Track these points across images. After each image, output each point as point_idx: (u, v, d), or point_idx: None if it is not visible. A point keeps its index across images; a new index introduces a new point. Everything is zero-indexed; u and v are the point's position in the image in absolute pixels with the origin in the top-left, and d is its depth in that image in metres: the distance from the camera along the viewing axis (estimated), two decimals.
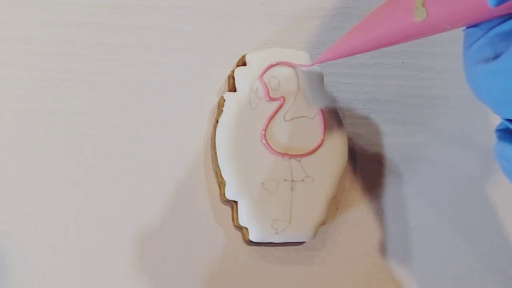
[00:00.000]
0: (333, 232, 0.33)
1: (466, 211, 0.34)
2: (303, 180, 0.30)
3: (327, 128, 0.31)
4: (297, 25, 0.33)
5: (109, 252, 0.30)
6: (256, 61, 0.31)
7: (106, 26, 0.31)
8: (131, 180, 0.31)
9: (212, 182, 0.32)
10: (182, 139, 0.32)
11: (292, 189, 0.30)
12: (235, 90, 0.31)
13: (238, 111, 0.30)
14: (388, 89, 0.34)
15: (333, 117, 0.31)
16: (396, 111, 0.34)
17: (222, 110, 0.30)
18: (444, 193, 0.34)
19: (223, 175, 0.30)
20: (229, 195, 0.30)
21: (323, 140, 0.30)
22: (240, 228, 0.31)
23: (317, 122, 0.31)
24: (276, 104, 0.30)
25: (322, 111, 0.31)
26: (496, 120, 0.24)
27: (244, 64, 0.31)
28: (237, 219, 0.30)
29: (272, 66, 0.30)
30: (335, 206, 0.33)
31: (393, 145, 0.34)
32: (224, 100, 0.31)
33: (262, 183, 0.30)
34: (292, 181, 0.30)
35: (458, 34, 0.24)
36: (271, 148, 0.30)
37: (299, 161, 0.30)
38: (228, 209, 0.32)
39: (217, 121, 0.31)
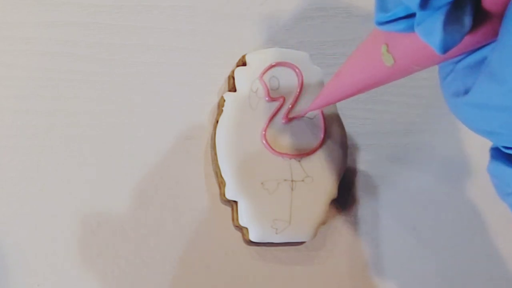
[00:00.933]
0: (333, 232, 0.33)
1: (466, 211, 0.34)
2: (303, 180, 0.30)
3: (327, 128, 0.31)
4: (297, 25, 0.33)
5: (109, 252, 0.30)
6: (256, 61, 0.31)
7: (106, 26, 0.31)
8: (131, 180, 0.31)
9: (212, 182, 0.32)
10: (182, 139, 0.32)
11: (292, 189, 0.30)
12: (235, 90, 0.31)
13: (238, 111, 0.30)
14: (388, 90, 0.34)
15: (333, 117, 0.31)
16: (396, 111, 0.34)
17: (222, 110, 0.30)
18: (444, 193, 0.34)
19: (223, 175, 0.30)
20: (229, 195, 0.30)
21: (323, 140, 0.30)
22: (240, 228, 0.31)
23: (317, 122, 0.31)
24: (276, 104, 0.30)
25: (322, 111, 0.31)
26: None
27: (244, 64, 0.31)
28: (237, 219, 0.30)
29: (272, 66, 0.30)
30: (335, 206, 0.33)
31: (393, 145, 0.34)
32: (224, 100, 0.31)
33: (262, 183, 0.30)
34: (292, 181, 0.30)
35: None
36: (271, 148, 0.30)
37: (299, 161, 0.30)
38: (228, 209, 0.32)
39: (217, 121, 0.31)
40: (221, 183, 0.31)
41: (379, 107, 0.34)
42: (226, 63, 0.32)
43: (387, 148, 0.34)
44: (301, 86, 0.31)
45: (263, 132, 0.30)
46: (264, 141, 0.30)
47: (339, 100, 0.28)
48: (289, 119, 0.30)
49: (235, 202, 0.30)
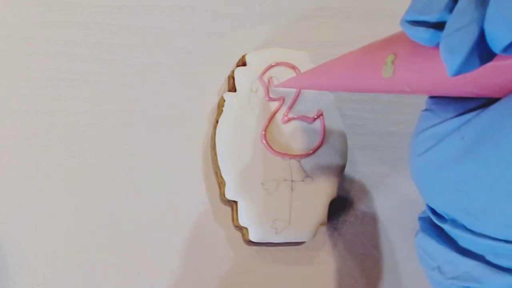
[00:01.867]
0: (333, 232, 0.33)
1: None
2: (303, 180, 0.30)
3: (327, 128, 0.31)
4: (297, 25, 0.33)
5: (109, 252, 0.30)
6: (256, 61, 0.31)
7: (106, 26, 0.31)
8: (131, 180, 0.31)
9: (212, 182, 0.32)
10: (182, 139, 0.32)
11: (292, 189, 0.30)
12: (235, 90, 0.31)
13: (238, 111, 0.30)
14: None
15: (333, 117, 0.31)
16: (396, 111, 0.34)
17: (222, 110, 0.30)
18: None
19: (223, 175, 0.30)
20: (229, 195, 0.30)
21: (323, 140, 0.30)
22: (240, 228, 0.31)
23: (317, 122, 0.31)
24: (276, 104, 0.30)
25: (322, 111, 0.31)
26: None
27: (244, 64, 0.31)
28: (237, 219, 0.30)
29: (272, 66, 0.30)
30: (335, 206, 0.33)
31: (393, 145, 0.34)
32: (224, 100, 0.31)
33: (262, 183, 0.30)
34: (292, 181, 0.30)
35: None
36: (271, 148, 0.30)
37: (299, 161, 0.30)
38: (228, 209, 0.32)
39: (217, 121, 0.31)
40: (221, 183, 0.31)
41: (379, 107, 0.34)
42: (226, 63, 0.32)
43: (387, 148, 0.34)
44: None
45: (263, 132, 0.30)
46: (264, 141, 0.30)
47: (319, 89, 0.28)
48: (289, 119, 0.30)
49: (235, 202, 0.30)
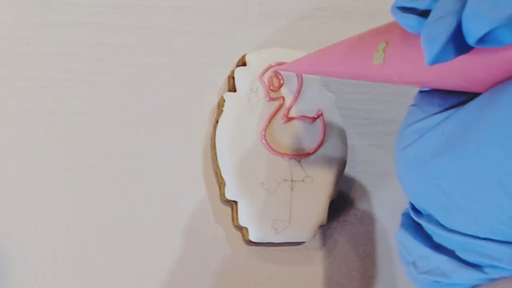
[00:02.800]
0: (333, 232, 0.33)
1: None
2: (303, 180, 0.30)
3: (326, 128, 0.31)
4: (297, 25, 0.33)
5: (109, 252, 0.30)
6: (256, 61, 0.31)
7: (106, 26, 0.31)
8: (131, 180, 0.31)
9: (212, 182, 0.32)
10: (182, 139, 0.32)
11: (292, 189, 0.30)
12: (235, 90, 0.31)
13: (238, 111, 0.30)
14: (388, 89, 0.34)
15: (333, 117, 0.31)
16: (396, 111, 0.34)
17: (222, 110, 0.30)
18: None
19: (223, 175, 0.30)
20: (229, 195, 0.30)
21: (322, 140, 0.30)
22: (240, 228, 0.31)
23: (317, 122, 0.31)
24: (276, 104, 0.30)
25: (322, 111, 0.31)
26: None
27: (244, 64, 0.31)
28: (237, 219, 0.30)
29: (272, 66, 0.30)
30: (335, 206, 0.33)
31: (393, 145, 0.34)
32: (224, 100, 0.31)
33: (262, 183, 0.30)
34: (292, 181, 0.30)
35: None
36: (271, 148, 0.30)
37: (299, 161, 0.30)
38: (228, 209, 0.32)
39: (217, 121, 0.31)
40: (221, 183, 0.31)
41: (379, 107, 0.34)
42: (226, 63, 0.32)
43: (386, 148, 0.34)
44: (301, 86, 0.31)
45: (263, 132, 0.30)
46: (264, 141, 0.30)
47: (317, 74, 0.28)
48: (289, 119, 0.30)
49: (235, 202, 0.30)
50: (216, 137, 0.30)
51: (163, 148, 0.31)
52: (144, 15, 0.32)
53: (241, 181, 0.30)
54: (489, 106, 0.18)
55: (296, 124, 0.30)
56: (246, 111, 0.30)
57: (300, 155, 0.30)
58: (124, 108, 0.31)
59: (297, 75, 0.31)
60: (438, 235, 0.22)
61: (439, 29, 0.17)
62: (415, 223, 0.23)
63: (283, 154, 0.30)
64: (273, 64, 0.30)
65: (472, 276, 0.21)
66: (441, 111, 0.21)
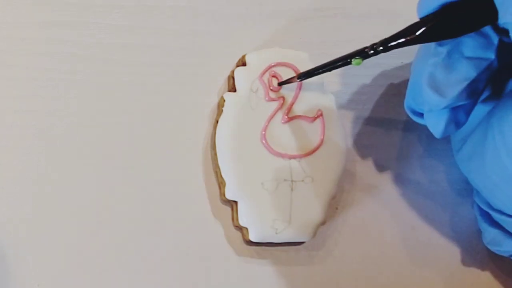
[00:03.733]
0: (333, 232, 0.33)
1: (466, 210, 0.34)
2: (302, 180, 0.30)
3: (326, 128, 0.31)
4: (297, 25, 0.33)
5: (109, 252, 0.30)
6: (256, 61, 0.31)
7: (106, 26, 0.31)
8: (131, 180, 0.31)
9: (212, 182, 0.32)
10: (182, 139, 0.32)
11: (292, 189, 0.30)
12: (235, 90, 0.31)
13: (238, 111, 0.30)
14: (387, 89, 0.34)
15: (333, 117, 0.31)
16: (395, 111, 0.34)
17: (222, 110, 0.30)
18: (443, 193, 0.34)
19: (223, 175, 0.30)
20: (229, 195, 0.30)
21: (322, 140, 0.30)
22: (240, 228, 0.31)
23: (317, 122, 0.31)
24: (275, 104, 0.30)
25: (322, 111, 0.31)
26: None
27: (244, 64, 0.31)
28: (237, 219, 0.30)
29: (272, 66, 0.30)
30: (335, 206, 0.33)
31: (393, 145, 0.34)
32: (224, 100, 0.31)
33: (262, 183, 0.30)
34: (292, 181, 0.30)
35: None
36: (271, 148, 0.30)
37: (299, 161, 0.30)
38: (228, 209, 0.32)
39: (217, 121, 0.31)
40: (221, 183, 0.31)
41: (379, 107, 0.34)
42: (226, 63, 0.32)
43: (386, 148, 0.34)
44: (301, 86, 0.31)
45: (263, 132, 0.30)
46: (263, 141, 0.30)
47: None
48: (289, 119, 0.30)
49: (235, 202, 0.30)
50: (216, 137, 0.30)
51: (163, 148, 0.31)
52: (144, 15, 0.32)
53: (241, 181, 0.30)
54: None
55: (296, 124, 0.30)
56: (246, 111, 0.30)
57: (300, 155, 0.30)
58: (124, 108, 0.31)
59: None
60: (490, 213, 0.28)
61: (436, 117, 0.25)
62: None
63: (283, 154, 0.30)
64: (273, 64, 0.30)
65: None
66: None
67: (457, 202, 0.34)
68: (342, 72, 0.33)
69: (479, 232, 0.32)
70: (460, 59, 0.24)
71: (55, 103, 0.30)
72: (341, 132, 0.31)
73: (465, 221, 0.34)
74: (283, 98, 0.30)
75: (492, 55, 0.25)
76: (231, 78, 0.31)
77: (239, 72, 0.31)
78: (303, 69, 0.30)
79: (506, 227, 0.28)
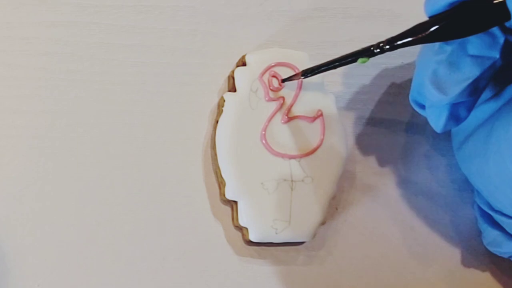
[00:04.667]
0: (333, 232, 0.33)
1: (466, 211, 0.34)
2: (302, 180, 0.30)
3: (326, 128, 0.31)
4: (297, 25, 0.33)
5: (109, 252, 0.30)
6: (256, 61, 0.31)
7: (106, 26, 0.31)
8: (131, 180, 0.31)
9: (212, 182, 0.32)
10: (182, 139, 0.32)
11: (291, 189, 0.30)
12: (235, 90, 0.31)
13: (238, 111, 0.30)
14: (387, 90, 0.34)
15: (333, 117, 0.31)
16: (396, 111, 0.34)
17: (222, 110, 0.30)
18: (443, 193, 0.34)
19: (223, 175, 0.30)
20: (229, 195, 0.30)
21: (322, 140, 0.30)
22: (240, 228, 0.31)
23: (317, 122, 0.31)
24: (275, 104, 0.30)
25: (322, 111, 0.31)
26: None
27: (244, 64, 0.31)
28: (237, 219, 0.30)
29: (272, 66, 0.30)
30: (334, 206, 0.33)
31: (393, 145, 0.34)
32: (224, 100, 0.31)
33: (262, 183, 0.30)
34: (291, 181, 0.30)
35: None
36: (271, 148, 0.30)
37: (299, 161, 0.30)
38: (228, 209, 0.32)
39: (217, 121, 0.31)
40: (221, 183, 0.31)
41: (379, 107, 0.34)
42: (226, 63, 0.32)
43: (386, 149, 0.34)
44: (301, 86, 0.31)
45: (263, 132, 0.30)
46: (263, 141, 0.30)
47: None
48: (289, 119, 0.30)
49: (235, 202, 0.30)
50: (216, 137, 0.30)
51: (163, 148, 0.31)
52: (144, 15, 0.32)
53: (241, 181, 0.30)
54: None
55: (296, 124, 0.30)
56: (246, 111, 0.30)
57: (300, 155, 0.30)
58: (124, 108, 0.31)
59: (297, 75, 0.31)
60: (491, 214, 0.28)
61: (437, 113, 0.26)
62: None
63: (283, 154, 0.30)
64: (273, 64, 0.30)
65: None
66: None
67: (457, 202, 0.34)
68: (343, 72, 0.33)
69: (479, 233, 0.32)
70: (464, 57, 0.24)
71: (55, 103, 0.30)
72: (341, 132, 0.31)
73: (465, 221, 0.34)
74: (283, 98, 0.30)
75: (496, 54, 0.25)
76: (231, 78, 0.31)
77: (239, 72, 0.31)
78: (303, 69, 0.30)
79: (507, 229, 0.28)
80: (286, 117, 0.30)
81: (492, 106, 0.27)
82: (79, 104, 0.31)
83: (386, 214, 0.33)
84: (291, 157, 0.30)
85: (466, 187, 0.34)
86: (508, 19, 0.23)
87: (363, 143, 0.33)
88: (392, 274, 0.33)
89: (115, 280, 0.30)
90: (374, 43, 0.26)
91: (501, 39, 0.25)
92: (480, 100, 0.27)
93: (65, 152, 0.30)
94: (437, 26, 0.24)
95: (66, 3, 0.31)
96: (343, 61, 0.27)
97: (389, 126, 0.34)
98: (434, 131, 0.27)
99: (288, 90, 0.30)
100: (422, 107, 0.27)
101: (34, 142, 0.30)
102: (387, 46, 0.25)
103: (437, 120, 0.26)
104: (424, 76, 0.25)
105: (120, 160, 0.31)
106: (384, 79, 0.34)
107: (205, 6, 0.32)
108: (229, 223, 0.31)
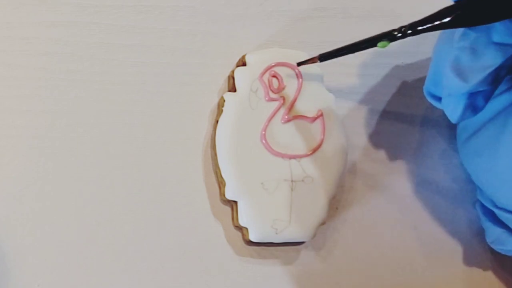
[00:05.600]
0: (333, 232, 0.33)
1: (468, 210, 0.34)
2: (302, 180, 0.30)
3: (326, 128, 0.31)
4: (297, 25, 0.33)
5: (109, 252, 0.30)
6: (256, 61, 0.31)
7: (106, 26, 0.31)
8: (131, 180, 0.31)
9: (212, 182, 0.32)
10: (182, 139, 0.32)
11: (292, 189, 0.30)
12: (235, 90, 0.31)
13: (238, 111, 0.30)
14: (388, 89, 0.34)
15: (333, 117, 0.31)
16: (396, 111, 0.34)
17: (222, 110, 0.30)
18: (445, 192, 0.34)
19: (223, 175, 0.30)
20: (229, 195, 0.30)
21: (322, 140, 0.30)
22: (240, 228, 0.31)
23: (317, 122, 0.31)
24: (275, 104, 0.30)
25: (322, 111, 0.31)
26: None
27: (244, 64, 0.31)
28: (237, 219, 0.30)
29: (272, 66, 0.30)
30: (335, 206, 0.33)
31: (393, 145, 0.34)
32: (224, 100, 0.31)
33: (262, 183, 0.30)
34: (291, 181, 0.30)
35: None
36: (271, 148, 0.30)
37: (299, 161, 0.30)
38: (228, 209, 0.32)
39: (217, 121, 0.31)
40: (221, 183, 0.31)
41: (379, 108, 0.34)
42: (226, 63, 0.32)
43: (387, 148, 0.34)
44: (301, 86, 0.31)
45: (263, 132, 0.30)
46: (263, 141, 0.30)
47: None
48: (289, 119, 0.30)
49: (235, 202, 0.30)
50: (216, 137, 0.30)
51: (163, 148, 0.31)
52: (144, 15, 0.32)
53: (241, 181, 0.30)
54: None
55: (296, 124, 0.30)
56: (246, 111, 0.30)
57: (300, 155, 0.30)
58: (124, 108, 0.31)
59: (297, 75, 0.31)
60: (495, 211, 0.28)
61: (454, 102, 0.25)
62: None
63: (283, 154, 0.30)
64: (273, 64, 0.30)
65: None
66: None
67: (459, 201, 0.34)
68: (343, 72, 0.33)
69: (481, 232, 0.32)
70: (488, 44, 0.24)
71: (55, 103, 0.30)
72: (341, 132, 0.31)
73: (467, 220, 0.34)
74: (283, 98, 0.30)
75: None
76: (231, 78, 0.31)
77: (239, 72, 0.31)
78: (303, 69, 0.30)
79: (511, 226, 0.28)
80: (286, 117, 0.30)
81: (503, 101, 0.26)
82: (79, 104, 0.31)
83: (386, 214, 0.33)
84: (291, 157, 0.30)
85: (468, 186, 0.34)
86: None
87: (363, 143, 0.33)
88: (393, 274, 0.33)
89: (115, 280, 0.30)
90: (401, 26, 0.25)
91: None
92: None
93: (65, 152, 0.30)
94: (458, 12, 0.23)
95: (66, 3, 0.31)
96: (362, 45, 0.26)
97: (390, 126, 0.34)
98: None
99: (288, 90, 0.30)
100: (437, 99, 0.27)
101: (34, 142, 0.30)
102: (410, 31, 0.24)
103: (454, 110, 0.25)
104: (443, 65, 0.25)
105: (120, 160, 0.31)
106: (384, 79, 0.34)
107: (205, 6, 0.32)
108: (229, 223, 0.31)
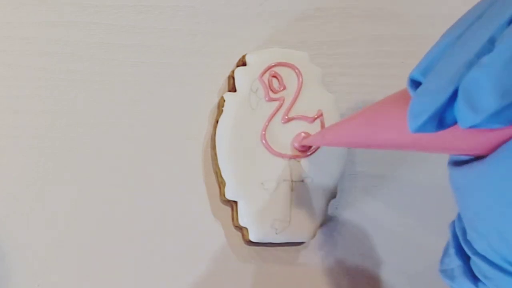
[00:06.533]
0: (333, 232, 0.33)
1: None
2: (302, 181, 0.30)
3: None
4: (297, 25, 0.33)
5: (109, 252, 0.30)
6: (256, 61, 0.31)
7: (106, 26, 0.31)
8: (131, 180, 0.31)
9: (212, 182, 0.32)
10: (182, 139, 0.32)
11: (292, 189, 0.30)
12: (235, 90, 0.31)
13: (238, 111, 0.30)
14: (388, 89, 0.34)
15: (333, 117, 0.31)
16: None
17: (222, 110, 0.30)
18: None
19: (223, 175, 0.30)
20: (229, 195, 0.30)
21: None
22: (240, 228, 0.31)
23: (317, 123, 0.31)
24: (275, 104, 0.30)
25: (322, 111, 0.31)
26: None
27: (244, 64, 0.31)
28: (237, 219, 0.30)
29: (272, 66, 0.30)
30: (335, 206, 0.33)
31: None
32: (224, 100, 0.31)
33: (262, 183, 0.30)
34: (292, 181, 0.30)
35: None
36: (271, 148, 0.30)
37: (299, 161, 0.30)
38: (228, 209, 0.32)
39: (217, 121, 0.31)
40: (221, 183, 0.31)
41: None
42: (226, 63, 0.32)
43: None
44: (301, 86, 0.31)
45: (263, 132, 0.30)
46: (263, 141, 0.30)
47: (344, 146, 0.28)
48: (289, 119, 0.30)
49: (235, 202, 0.30)
50: (216, 137, 0.30)
51: (163, 148, 0.31)
52: (144, 15, 0.32)
53: (241, 181, 0.30)
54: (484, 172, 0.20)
55: (296, 124, 0.30)
56: (246, 111, 0.30)
57: (300, 155, 0.30)
58: (124, 108, 0.31)
59: (297, 75, 0.31)
60: (472, 258, 0.22)
61: (425, 104, 0.19)
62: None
63: (283, 154, 0.30)
64: (273, 64, 0.30)
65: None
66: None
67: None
68: (343, 72, 0.33)
69: None
70: None
71: (55, 103, 0.30)
72: None
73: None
74: (283, 98, 0.30)
75: None
76: (231, 78, 0.31)
77: (239, 72, 0.31)
78: (303, 69, 0.30)
79: (472, 264, 0.22)
80: (286, 117, 0.30)
81: None
82: (79, 104, 0.31)
83: (386, 214, 0.33)
84: (291, 157, 0.30)
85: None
86: None
87: None
88: (393, 274, 0.33)
89: (114, 280, 0.30)
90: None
91: None
92: None
93: (65, 152, 0.30)
94: None
95: (66, 3, 0.31)
96: None
97: None
98: None
99: (288, 90, 0.30)
100: (415, 88, 0.21)
101: (34, 142, 0.30)
102: None
103: (418, 114, 0.19)
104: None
105: (120, 160, 0.31)
106: (384, 78, 0.34)
107: (205, 6, 0.32)
108: (229, 223, 0.31)
